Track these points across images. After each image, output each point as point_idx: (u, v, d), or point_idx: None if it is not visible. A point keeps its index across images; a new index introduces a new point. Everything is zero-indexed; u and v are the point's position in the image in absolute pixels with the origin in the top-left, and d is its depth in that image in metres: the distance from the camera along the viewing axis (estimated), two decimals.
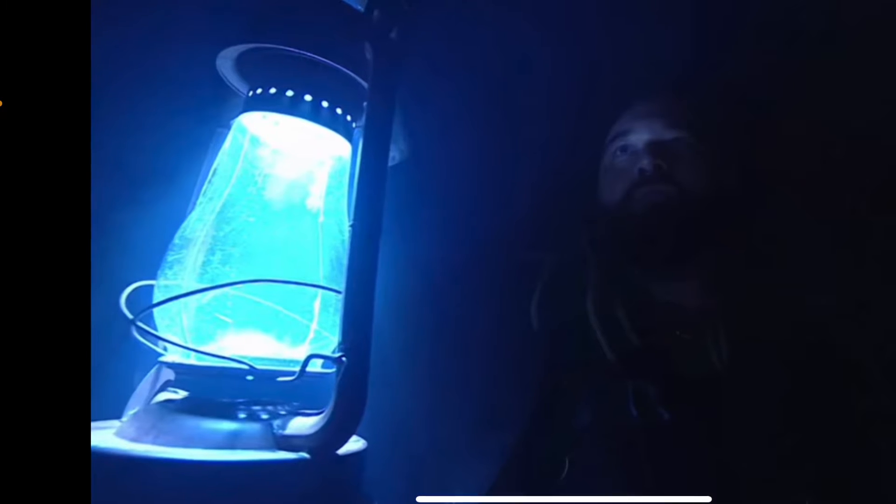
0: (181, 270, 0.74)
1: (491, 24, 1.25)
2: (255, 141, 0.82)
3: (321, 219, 0.82)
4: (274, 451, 0.65)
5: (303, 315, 0.75)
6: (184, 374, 0.74)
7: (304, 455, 0.64)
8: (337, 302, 0.72)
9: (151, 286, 0.76)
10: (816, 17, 1.11)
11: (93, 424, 0.71)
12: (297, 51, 0.75)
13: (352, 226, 0.66)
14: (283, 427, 0.67)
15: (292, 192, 0.81)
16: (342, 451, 0.67)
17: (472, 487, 1.04)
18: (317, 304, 0.76)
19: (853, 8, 1.08)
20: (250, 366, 0.69)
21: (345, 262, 0.66)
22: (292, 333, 0.75)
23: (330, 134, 0.79)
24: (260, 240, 0.76)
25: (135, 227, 0.91)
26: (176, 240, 0.76)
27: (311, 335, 0.76)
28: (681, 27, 1.24)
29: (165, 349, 0.76)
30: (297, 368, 0.68)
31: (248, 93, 0.80)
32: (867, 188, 1.03)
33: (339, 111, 0.79)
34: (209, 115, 0.91)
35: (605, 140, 1.12)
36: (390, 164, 0.70)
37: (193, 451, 0.61)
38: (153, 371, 0.82)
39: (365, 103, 0.70)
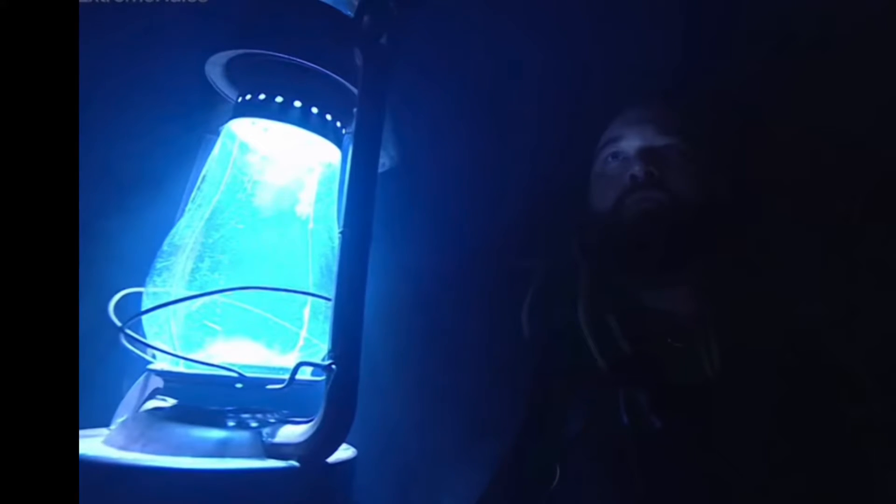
0: (170, 277, 0.74)
1: (481, 30, 1.25)
2: (244, 147, 0.81)
3: (311, 225, 0.81)
4: (263, 459, 0.65)
5: (292, 322, 0.75)
6: (173, 382, 0.73)
7: (294, 463, 0.64)
8: (327, 309, 0.72)
9: (140, 293, 0.76)
10: (808, 23, 1.12)
11: (81, 432, 0.71)
12: (286, 57, 0.75)
13: (342, 233, 0.66)
14: (273, 435, 0.67)
15: (282, 198, 0.80)
16: (332, 459, 0.66)
17: (463, 496, 1.04)
18: (306, 312, 0.76)
19: (845, 13, 1.08)
20: (239, 373, 0.69)
21: (334, 269, 0.66)
22: (282, 341, 0.75)
23: (319, 140, 0.79)
24: (249, 247, 0.76)
25: (123, 233, 0.90)
26: (165, 247, 0.76)
27: (301, 343, 0.76)
28: (672, 33, 1.24)
29: (154, 357, 0.75)
30: (287, 376, 0.68)
31: (238, 99, 0.80)
32: (859, 195, 1.03)
33: (328, 117, 0.79)
34: (198, 121, 0.91)
35: (596, 146, 1.11)
36: (380, 170, 0.70)
37: (182, 460, 0.61)
38: (142, 379, 0.82)
39: (355, 109, 0.70)
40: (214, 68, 0.80)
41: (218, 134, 0.83)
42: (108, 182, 0.95)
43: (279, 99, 0.77)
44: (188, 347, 0.72)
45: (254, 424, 0.69)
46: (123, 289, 0.75)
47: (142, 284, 0.76)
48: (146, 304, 0.74)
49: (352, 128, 0.72)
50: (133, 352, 0.74)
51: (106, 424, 0.75)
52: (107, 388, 0.84)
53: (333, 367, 0.63)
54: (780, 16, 1.16)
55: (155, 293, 0.74)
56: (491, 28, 1.25)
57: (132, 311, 0.73)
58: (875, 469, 0.88)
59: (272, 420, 0.71)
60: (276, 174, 0.81)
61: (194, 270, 0.73)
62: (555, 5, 1.28)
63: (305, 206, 0.82)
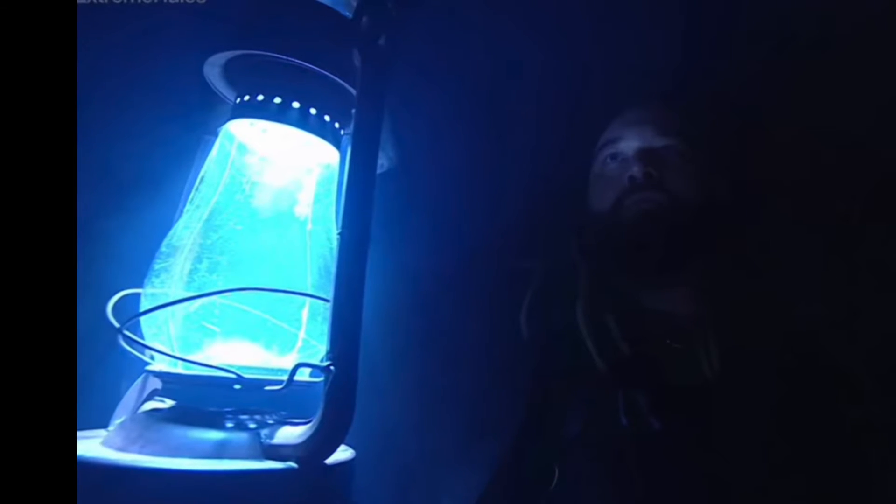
0: (168, 279, 0.74)
1: (480, 30, 1.25)
2: (242, 148, 0.81)
3: (309, 227, 0.81)
4: (262, 460, 0.65)
5: (291, 324, 0.75)
6: (171, 383, 0.73)
7: (292, 465, 0.64)
8: (325, 310, 0.72)
9: (138, 294, 0.75)
10: (808, 23, 1.12)
11: (79, 434, 0.71)
12: (284, 57, 0.75)
13: (340, 234, 0.66)
14: (271, 436, 0.67)
15: (280, 199, 0.80)
16: (330, 460, 0.66)
17: (462, 497, 1.03)
18: (305, 313, 0.76)
19: (845, 13, 1.08)
20: (238, 375, 0.69)
21: (333, 270, 0.66)
22: (280, 342, 0.75)
23: (318, 141, 0.79)
24: (247, 248, 0.76)
25: (122, 234, 0.90)
26: (163, 248, 0.76)
27: (299, 344, 0.76)
28: (672, 33, 1.24)
29: (152, 358, 0.75)
30: (285, 377, 0.67)
31: (236, 100, 0.80)
32: (859, 195, 1.03)
33: (327, 118, 0.79)
34: (196, 122, 0.91)
35: (595, 147, 1.11)
36: (379, 171, 0.70)
37: (181, 461, 0.61)
38: (140, 380, 0.82)
39: (353, 110, 0.70)
40: (213, 69, 0.80)
41: (216, 135, 0.83)
42: (108, 182, 0.95)
43: (277, 100, 0.76)
44: (186, 349, 0.72)
45: (252, 426, 0.69)
46: (122, 289, 0.75)
47: (140, 285, 0.75)
48: (144, 306, 0.74)
49: (350, 129, 0.72)
50: (131, 353, 0.74)
51: (104, 425, 0.75)
52: (105, 389, 0.84)
53: (332, 368, 0.62)
54: (780, 16, 1.16)
55: (153, 294, 0.74)
56: (490, 28, 1.25)
57: (131, 312, 0.73)
58: (874, 469, 0.88)
59: (270, 421, 0.71)
60: (275, 175, 0.81)
61: (192, 271, 0.73)
62: (555, 5, 1.27)
63: (304, 207, 0.82)
